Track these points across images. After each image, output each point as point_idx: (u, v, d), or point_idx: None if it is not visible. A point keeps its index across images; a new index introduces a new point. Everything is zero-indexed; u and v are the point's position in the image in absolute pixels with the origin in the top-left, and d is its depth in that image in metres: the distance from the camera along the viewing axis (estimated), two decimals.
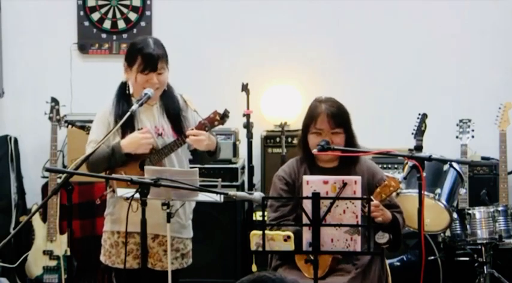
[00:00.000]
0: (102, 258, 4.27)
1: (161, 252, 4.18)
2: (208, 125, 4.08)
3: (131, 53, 4.15)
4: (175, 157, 4.18)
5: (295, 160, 4.19)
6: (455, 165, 5.00)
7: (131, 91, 4.19)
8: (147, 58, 4.09)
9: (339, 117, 4.06)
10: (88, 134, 5.62)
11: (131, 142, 4.08)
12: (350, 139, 4.08)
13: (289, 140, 5.88)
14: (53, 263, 5.74)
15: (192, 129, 4.09)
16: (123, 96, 4.19)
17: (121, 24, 6.47)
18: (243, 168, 6.07)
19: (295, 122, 5.83)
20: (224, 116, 4.08)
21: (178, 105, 4.22)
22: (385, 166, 5.70)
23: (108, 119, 4.17)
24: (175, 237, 4.20)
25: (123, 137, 4.13)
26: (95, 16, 6.46)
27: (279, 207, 4.07)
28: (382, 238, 3.85)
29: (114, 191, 4.09)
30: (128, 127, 4.12)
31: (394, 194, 4.10)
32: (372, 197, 3.77)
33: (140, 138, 4.08)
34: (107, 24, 6.47)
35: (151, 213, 3.86)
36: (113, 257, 4.21)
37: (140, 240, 3.80)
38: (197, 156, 4.28)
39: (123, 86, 4.21)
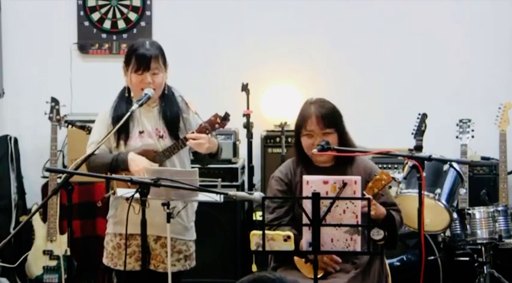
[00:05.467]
0: (105, 261, 4.27)
1: (163, 254, 4.16)
2: (209, 127, 4.08)
3: (128, 55, 4.18)
4: (176, 158, 4.18)
5: (292, 161, 4.18)
6: (455, 165, 5.00)
7: (132, 94, 4.19)
8: (140, 58, 4.10)
9: (329, 118, 4.04)
10: (88, 133, 5.65)
11: (135, 164, 4.05)
12: (343, 138, 4.06)
13: (289, 139, 5.85)
14: (53, 263, 5.74)
15: (193, 133, 4.09)
16: (123, 98, 4.19)
17: (121, 24, 6.46)
18: (243, 168, 6.07)
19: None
20: (225, 119, 4.08)
21: (178, 108, 4.21)
22: (385, 166, 5.70)
23: (108, 120, 4.18)
24: (178, 239, 4.19)
25: (118, 138, 4.14)
26: (95, 16, 6.46)
27: (275, 209, 4.06)
28: (378, 235, 3.84)
29: (115, 193, 4.09)
30: (123, 129, 4.12)
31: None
32: (364, 192, 3.75)
33: (144, 167, 4.01)
34: (107, 24, 6.46)
35: (154, 214, 3.86)
36: (115, 259, 4.22)
37: (140, 240, 3.79)
38: (199, 157, 4.27)
39: (125, 90, 4.21)
